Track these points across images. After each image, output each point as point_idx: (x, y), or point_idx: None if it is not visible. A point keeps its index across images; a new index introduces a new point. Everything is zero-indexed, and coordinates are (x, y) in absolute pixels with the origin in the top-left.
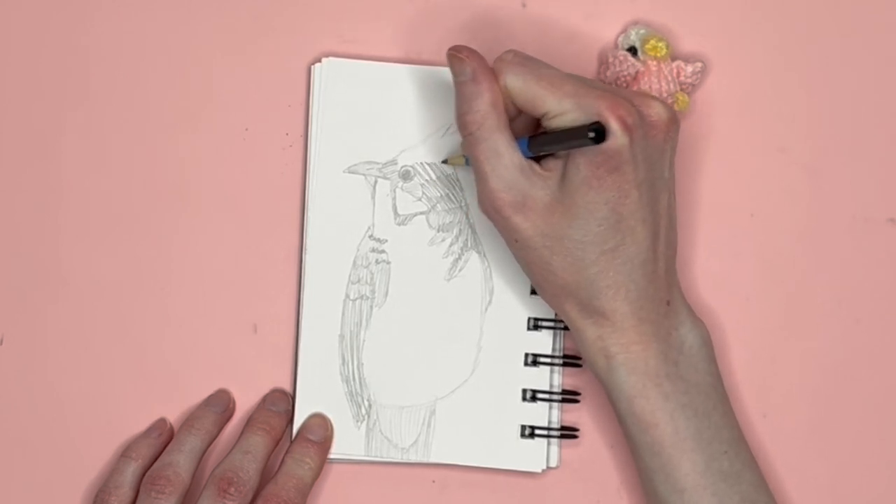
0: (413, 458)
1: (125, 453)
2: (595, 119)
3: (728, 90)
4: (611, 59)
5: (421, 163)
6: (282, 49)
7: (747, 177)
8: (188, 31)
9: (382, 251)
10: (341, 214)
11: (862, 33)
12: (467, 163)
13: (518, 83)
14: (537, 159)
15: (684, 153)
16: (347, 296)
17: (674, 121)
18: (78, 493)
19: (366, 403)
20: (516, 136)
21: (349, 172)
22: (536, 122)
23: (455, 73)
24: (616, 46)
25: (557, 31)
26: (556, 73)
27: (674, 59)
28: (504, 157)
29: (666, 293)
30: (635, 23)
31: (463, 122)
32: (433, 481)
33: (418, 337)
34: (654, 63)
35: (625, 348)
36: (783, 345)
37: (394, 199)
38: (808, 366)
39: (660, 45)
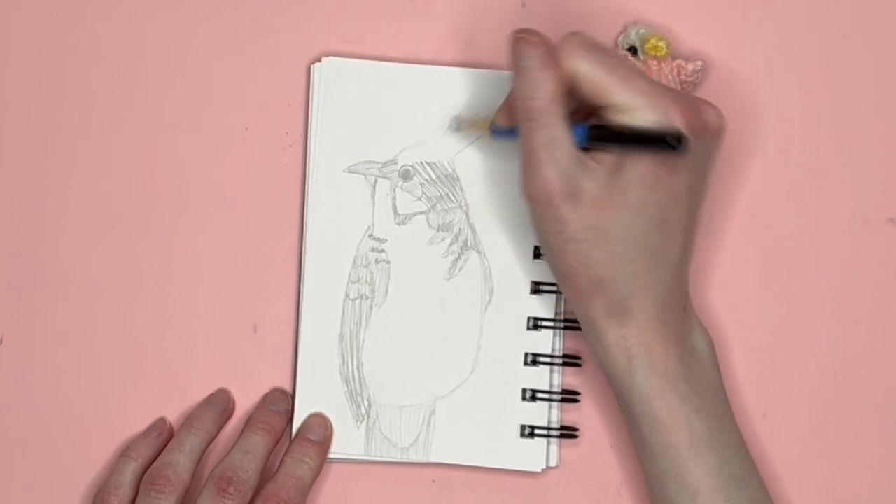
0: (413, 458)
1: (125, 453)
2: (665, 120)
3: (728, 90)
4: None
5: (421, 162)
6: (282, 49)
7: (747, 177)
8: (188, 31)
9: (382, 251)
10: (341, 214)
11: (862, 33)
12: (494, 135)
13: (587, 69)
14: (585, 149)
15: None
16: (347, 295)
17: (723, 129)
18: (78, 493)
19: (365, 403)
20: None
21: (349, 172)
22: (587, 112)
23: (521, 57)
24: (616, 46)
25: (557, 31)
26: (625, 64)
27: (674, 58)
28: (562, 145)
29: (684, 299)
30: (635, 22)
31: (525, 108)
32: (433, 481)
33: (418, 336)
34: (655, 62)
35: (647, 349)
36: (783, 345)
37: (393, 198)
38: (808, 366)
39: (660, 44)
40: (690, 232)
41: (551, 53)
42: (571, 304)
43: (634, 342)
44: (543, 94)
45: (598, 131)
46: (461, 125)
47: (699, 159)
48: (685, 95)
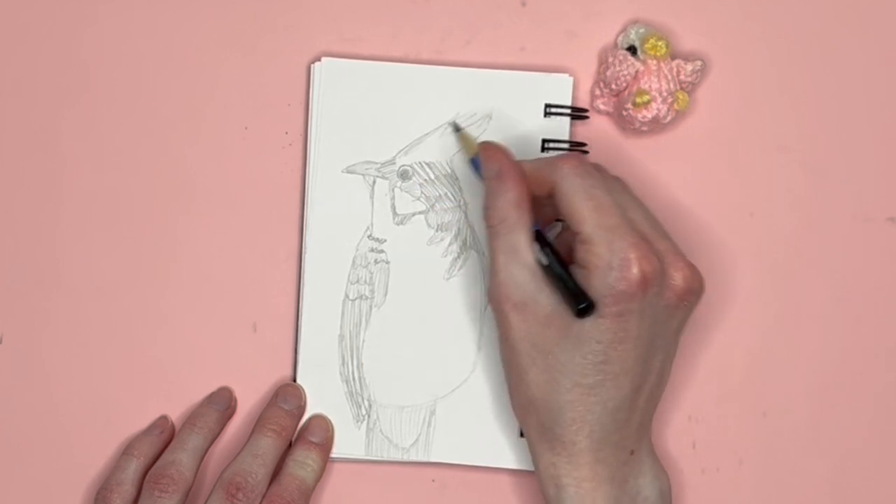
0: (413, 458)
1: (127, 451)
2: (617, 264)
3: (728, 89)
4: (610, 59)
5: (419, 162)
6: (282, 48)
7: (747, 176)
8: (188, 31)
9: (381, 251)
10: (340, 214)
11: (862, 33)
12: (473, 166)
13: (567, 191)
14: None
15: (684, 152)
16: (347, 296)
17: (692, 291)
18: (79, 492)
19: (366, 403)
20: (545, 221)
21: (348, 172)
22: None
23: (483, 169)
24: (616, 46)
25: (557, 31)
26: (610, 199)
27: (673, 57)
28: (519, 255)
29: (633, 443)
30: (635, 22)
31: (485, 215)
32: (433, 481)
33: (418, 337)
34: (654, 62)
35: (576, 482)
36: (783, 344)
37: (392, 198)
38: (808, 365)
39: (659, 44)
40: (641, 380)
41: (510, 167)
42: (516, 418)
43: (564, 472)
44: (501, 205)
45: (547, 250)
46: (458, 134)
47: (654, 311)
48: (659, 249)
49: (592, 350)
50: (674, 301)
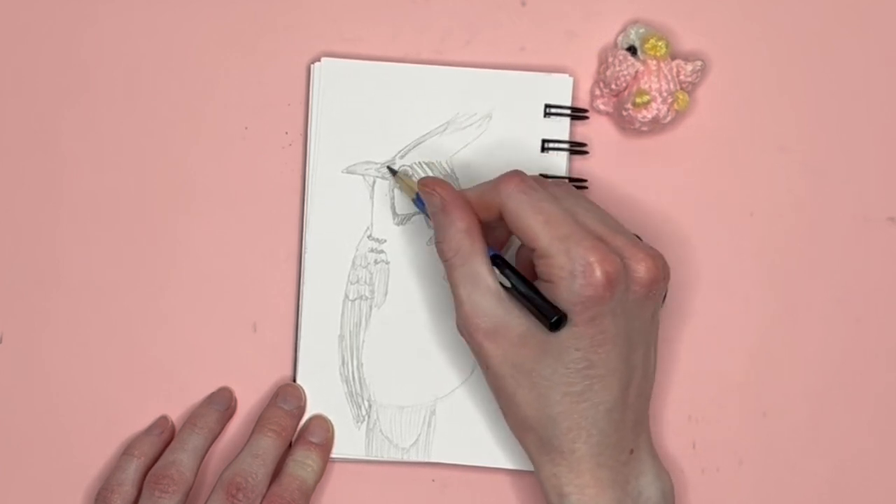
0: (413, 458)
1: (127, 451)
2: (581, 270)
3: (728, 89)
4: (610, 59)
5: (419, 162)
6: (282, 48)
7: (747, 176)
8: (188, 31)
9: (381, 251)
10: (340, 214)
11: (862, 33)
12: (418, 206)
13: (514, 210)
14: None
15: (684, 152)
16: (347, 296)
17: (658, 279)
18: (79, 492)
19: (366, 404)
20: (499, 243)
21: (348, 172)
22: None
23: (427, 204)
24: (616, 46)
25: (557, 31)
26: (558, 208)
27: (673, 57)
28: (480, 283)
29: (631, 442)
30: (635, 22)
31: (439, 250)
32: (433, 481)
33: (418, 337)
34: (654, 62)
35: (579, 490)
36: (783, 344)
37: (392, 198)
38: (808, 365)
39: (659, 44)
40: (628, 376)
41: (453, 197)
42: (515, 437)
43: (566, 481)
44: (451, 237)
45: (508, 273)
46: (395, 177)
47: (625, 307)
48: (617, 245)
49: (573, 358)
50: (642, 293)
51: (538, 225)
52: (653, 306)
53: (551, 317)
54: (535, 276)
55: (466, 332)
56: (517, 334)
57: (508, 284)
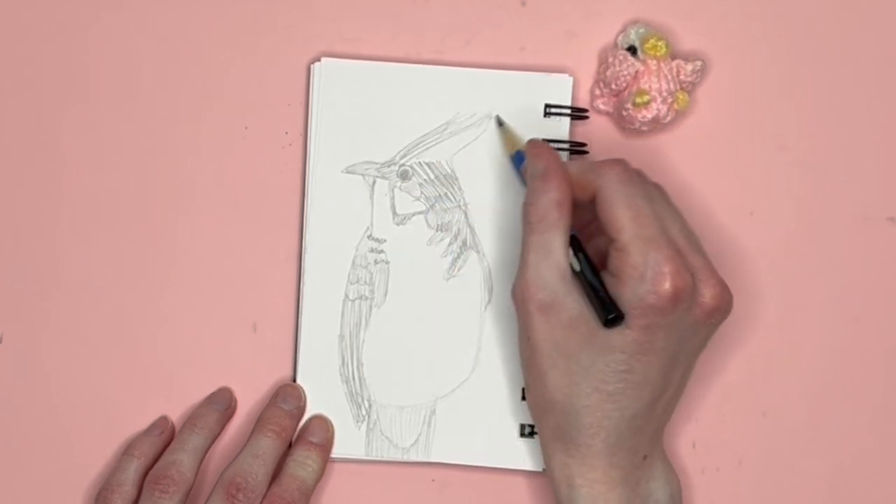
0: (413, 458)
1: (127, 451)
2: (650, 275)
3: (728, 89)
4: (610, 59)
5: (419, 162)
6: (282, 48)
7: (747, 175)
8: (188, 31)
9: (381, 251)
10: (340, 215)
11: (862, 33)
12: (515, 162)
13: (609, 197)
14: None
15: (684, 152)
16: (347, 296)
17: (720, 310)
18: (79, 492)
19: (366, 403)
20: (579, 226)
21: (348, 172)
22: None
23: (529, 166)
24: (616, 45)
25: (557, 31)
26: (650, 209)
27: (673, 57)
28: (552, 256)
29: (647, 449)
30: (635, 22)
31: (525, 211)
32: (433, 480)
33: (418, 337)
34: (654, 62)
35: (589, 483)
36: (783, 344)
37: (392, 198)
38: (807, 365)
39: (659, 44)
40: (661, 391)
41: (556, 167)
42: (532, 416)
43: (577, 473)
44: (542, 204)
45: (582, 256)
46: (501, 129)
47: (680, 326)
48: (693, 264)
49: (616, 359)
50: (702, 318)
51: (627, 218)
52: (706, 332)
53: (609, 313)
54: (604, 265)
55: (521, 299)
56: (569, 316)
57: (578, 268)
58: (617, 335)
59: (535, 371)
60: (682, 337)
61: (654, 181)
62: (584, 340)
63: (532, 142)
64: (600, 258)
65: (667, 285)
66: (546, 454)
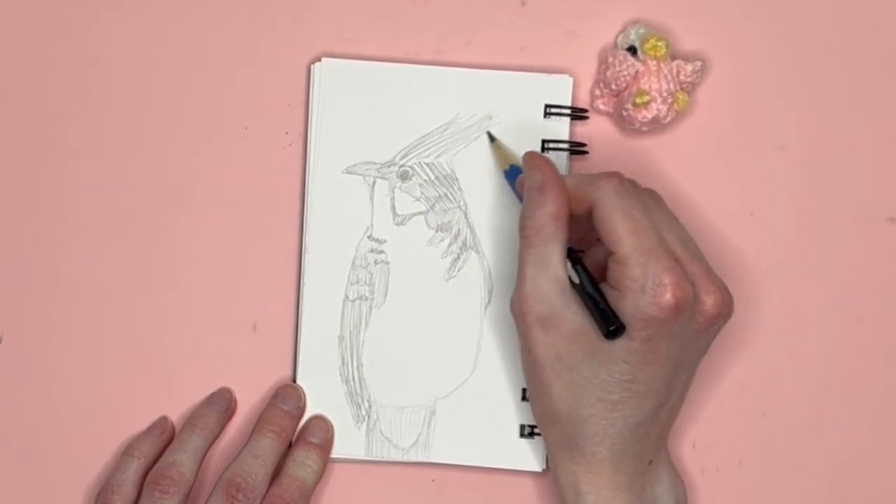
0: (413, 458)
1: (127, 451)
2: (651, 287)
3: (728, 89)
4: (610, 59)
5: (419, 163)
6: (282, 49)
7: (747, 176)
8: (188, 31)
9: (381, 251)
10: (340, 215)
11: (862, 33)
12: (509, 177)
13: (606, 210)
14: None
15: (684, 152)
16: (347, 296)
17: (722, 315)
18: (79, 492)
19: (366, 404)
20: (576, 239)
21: (348, 172)
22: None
23: (526, 179)
24: (616, 46)
25: (557, 31)
26: (647, 219)
27: (673, 58)
28: (549, 269)
29: (652, 454)
30: (635, 22)
31: (521, 224)
32: (433, 481)
33: (418, 337)
34: (654, 62)
35: (595, 490)
36: (783, 344)
37: (392, 199)
38: (807, 365)
39: (659, 44)
40: (664, 398)
41: (553, 180)
42: (538, 427)
43: (584, 480)
44: (539, 217)
45: (580, 269)
46: (493, 144)
47: (683, 335)
48: (692, 272)
49: (619, 369)
50: (704, 325)
51: (625, 231)
52: (708, 339)
53: (610, 325)
54: (604, 278)
55: (520, 313)
56: (570, 329)
57: (577, 281)
58: (619, 346)
59: (538, 383)
60: (685, 345)
61: (648, 187)
62: (586, 352)
63: (530, 154)
64: (598, 270)
65: (668, 296)
66: (553, 463)
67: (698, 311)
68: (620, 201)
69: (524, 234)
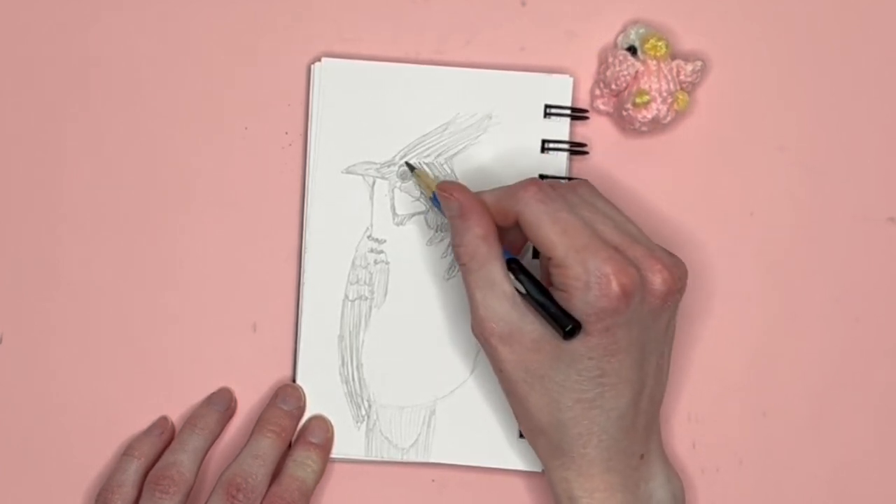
0: (413, 458)
1: (127, 451)
2: (595, 281)
3: (728, 89)
4: (610, 59)
5: (419, 163)
6: (282, 49)
7: (747, 176)
8: (188, 31)
9: (381, 251)
10: (340, 214)
11: (862, 33)
12: (435, 203)
13: (532, 220)
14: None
15: (684, 152)
16: (346, 296)
17: (673, 291)
18: (79, 493)
19: (366, 404)
20: (516, 247)
21: (348, 172)
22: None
23: (445, 209)
24: (616, 46)
25: (557, 31)
26: (576, 218)
27: (673, 57)
28: (495, 288)
29: (641, 447)
30: (635, 22)
31: (455, 254)
32: (433, 481)
33: (418, 337)
34: (654, 62)
35: (588, 493)
36: (783, 344)
37: (392, 199)
38: (807, 365)
39: (659, 44)
40: (640, 384)
41: (471, 202)
42: (527, 440)
43: (577, 485)
44: (468, 241)
45: (523, 278)
46: (414, 174)
47: (640, 317)
48: (634, 256)
49: (586, 367)
50: (657, 304)
51: (555, 235)
52: (668, 316)
53: (565, 325)
54: (550, 284)
55: (481, 336)
56: (531, 339)
57: (524, 291)
58: (580, 344)
59: (515, 399)
60: (644, 327)
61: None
62: (552, 358)
63: (440, 185)
64: (544, 275)
65: (613, 286)
66: (547, 473)
67: (648, 292)
68: (543, 207)
69: (461, 262)
